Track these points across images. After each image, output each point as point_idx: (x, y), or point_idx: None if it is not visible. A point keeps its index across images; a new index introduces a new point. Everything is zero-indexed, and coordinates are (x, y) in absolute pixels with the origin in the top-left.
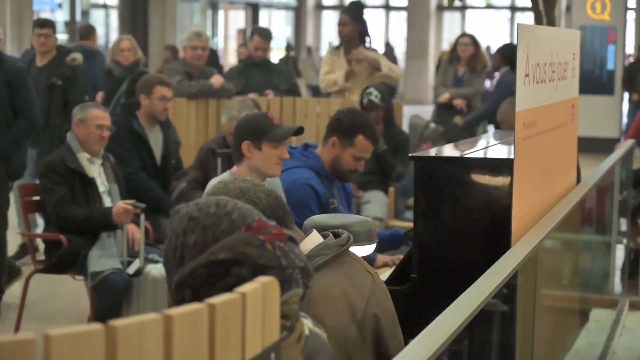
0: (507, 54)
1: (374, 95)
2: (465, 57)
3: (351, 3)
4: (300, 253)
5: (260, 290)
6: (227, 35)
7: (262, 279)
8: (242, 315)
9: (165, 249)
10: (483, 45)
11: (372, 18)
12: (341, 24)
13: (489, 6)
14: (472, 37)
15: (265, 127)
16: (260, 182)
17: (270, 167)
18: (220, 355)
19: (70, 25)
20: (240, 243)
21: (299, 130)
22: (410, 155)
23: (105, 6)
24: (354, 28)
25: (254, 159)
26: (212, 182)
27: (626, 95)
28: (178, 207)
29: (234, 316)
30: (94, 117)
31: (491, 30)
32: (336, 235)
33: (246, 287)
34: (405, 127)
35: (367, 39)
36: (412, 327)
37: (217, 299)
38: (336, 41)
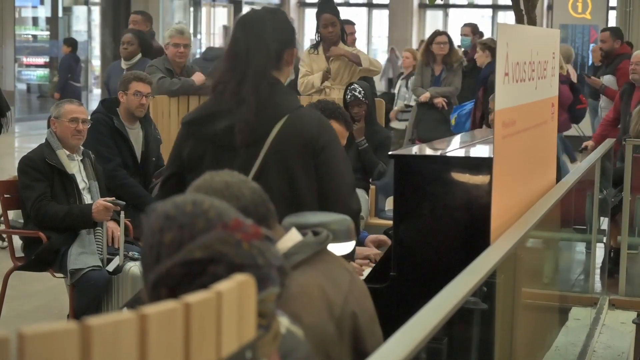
0: None
1: (358, 91)
2: (442, 55)
3: (326, 1)
4: (276, 252)
5: (236, 288)
6: (209, 32)
7: (238, 278)
8: (218, 313)
9: (142, 247)
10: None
11: (355, 16)
12: (331, 24)
13: (471, 4)
14: (447, 35)
15: None
16: (247, 178)
17: None
18: (196, 353)
19: (51, 21)
20: (217, 242)
21: None
22: (390, 153)
23: (87, 2)
24: (339, 26)
25: None
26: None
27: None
28: (154, 204)
29: (210, 314)
30: (68, 111)
31: None
32: (315, 234)
33: (222, 286)
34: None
35: (344, 35)
36: (391, 325)
37: (193, 298)
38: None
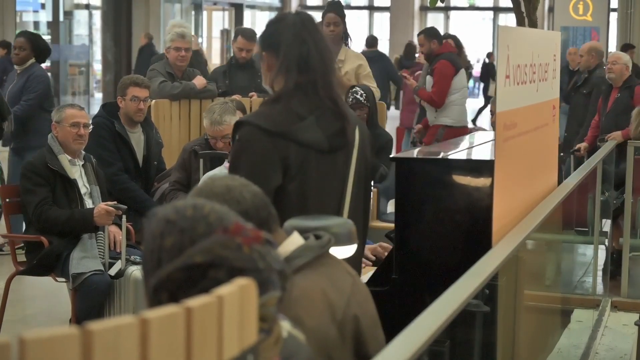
0: None
1: (360, 94)
2: None
3: (334, 2)
4: (277, 256)
5: (238, 292)
6: (210, 36)
7: (240, 282)
8: (219, 317)
9: (143, 251)
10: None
11: (356, 19)
12: (334, 23)
13: (472, 7)
14: (455, 39)
15: None
16: (248, 182)
17: None
18: (197, 357)
19: (53, 25)
20: (217, 246)
21: None
22: (391, 156)
23: (88, 7)
24: (342, 27)
25: None
26: (207, 176)
27: None
28: (155, 209)
29: (211, 319)
30: (69, 116)
31: (474, 31)
32: (317, 237)
33: (223, 290)
34: (388, 127)
35: (348, 38)
36: (393, 328)
37: (194, 302)
38: None
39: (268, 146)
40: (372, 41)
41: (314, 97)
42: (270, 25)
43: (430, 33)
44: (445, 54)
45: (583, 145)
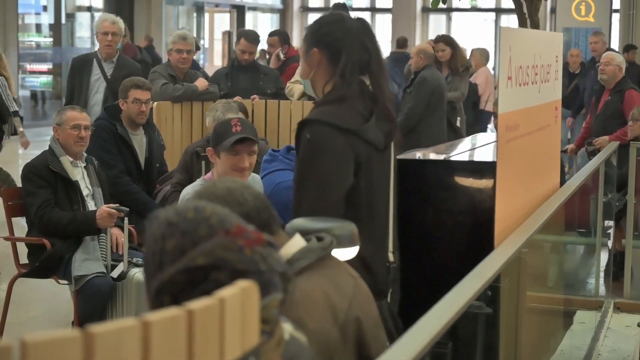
0: None
1: None
2: (445, 60)
3: (339, 4)
4: (279, 258)
5: (239, 294)
6: (212, 38)
7: (241, 284)
8: (221, 320)
9: (144, 254)
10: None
11: None
12: None
13: (474, 8)
14: (445, 40)
15: (222, 135)
16: (249, 184)
17: (229, 176)
18: None
19: (55, 27)
20: (219, 248)
21: (242, 140)
22: None
23: (90, 9)
24: None
25: (217, 165)
26: (185, 191)
27: None
28: (157, 212)
29: (213, 321)
30: (69, 118)
31: (476, 32)
32: (319, 239)
33: (225, 292)
34: None
35: None
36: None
37: (196, 304)
38: None
39: (343, 143)
40: (402, 43)
41: (370, 99)
42: (327, 24)
43: (285, 37)
44: (295, 56)
45: (570, 147)
